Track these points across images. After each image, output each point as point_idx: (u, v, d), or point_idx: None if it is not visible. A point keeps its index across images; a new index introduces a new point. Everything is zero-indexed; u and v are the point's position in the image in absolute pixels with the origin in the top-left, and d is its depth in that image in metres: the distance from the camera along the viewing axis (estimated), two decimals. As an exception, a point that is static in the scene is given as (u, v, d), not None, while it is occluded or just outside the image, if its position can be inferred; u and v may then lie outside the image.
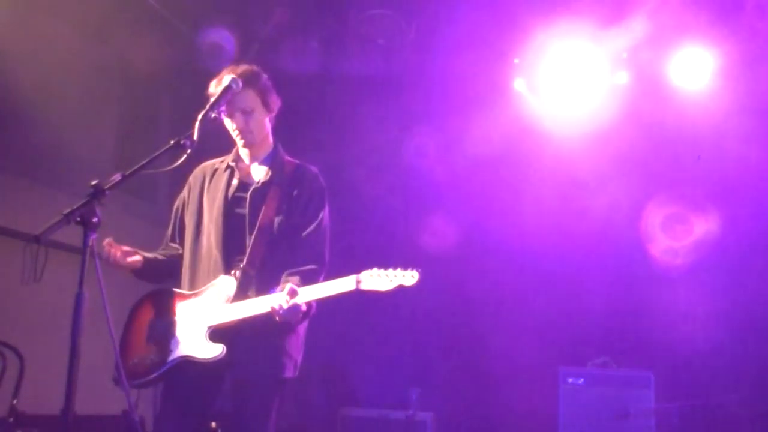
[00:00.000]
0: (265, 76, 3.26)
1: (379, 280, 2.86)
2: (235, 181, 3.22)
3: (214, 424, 4.54)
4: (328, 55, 6.19)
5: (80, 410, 4.23)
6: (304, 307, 2.93)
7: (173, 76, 6.16)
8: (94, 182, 2.48)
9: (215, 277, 3.07)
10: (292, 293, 2.89)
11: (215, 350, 2.96)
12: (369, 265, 2.92)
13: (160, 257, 3.28)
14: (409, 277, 2.84)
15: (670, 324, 6.14)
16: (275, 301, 2.90)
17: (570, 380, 5.75)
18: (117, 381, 2.96)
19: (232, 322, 2.97)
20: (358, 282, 2.87)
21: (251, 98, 3.19)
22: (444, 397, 6.71)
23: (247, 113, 3.19)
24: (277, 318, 2.91)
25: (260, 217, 3.10)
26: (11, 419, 4.34)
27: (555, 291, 6.63)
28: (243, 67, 3.20)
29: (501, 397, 6.52)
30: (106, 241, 3.07)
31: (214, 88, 3.12)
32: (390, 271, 2.87)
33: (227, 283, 3.02)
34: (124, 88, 6.11)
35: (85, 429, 4.96)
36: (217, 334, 3.00)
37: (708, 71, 6.01)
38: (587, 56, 6.19)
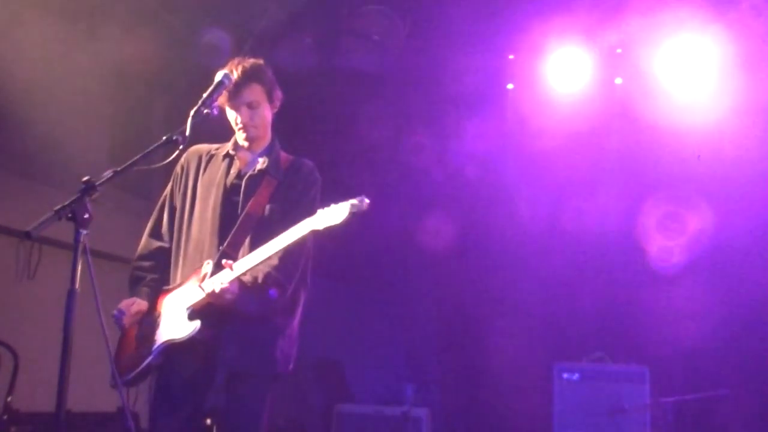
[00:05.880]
0: (270, 70, 3.26)
1: (330, 215, 2.85)
2: (233, 170, 3.23)
3: (209, 421, 4.54)
4: (322, 52, 6.18)
5: (75, 407, 4.26)
6: (236, 287, 2.91)
7: (167, 74, 6.15)
8: (85, 178, 2.47)
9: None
10: (228, 266, 2.90)
11: (191, 327, 2.97)
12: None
13: (156, 277, 3.27)
14: (357, 203, 2.82)
15: (665, 320, 6.15)
16: (215, 281, 2.91)
17: (565, 375, 5.77)
18: (113, 385, 2.97)
19: (204, 299, 2.97)
20: (311, 224, 2.87)
21: (258, 92, 3.19)
22: (439, 393, 6.73)
23: (253, 108, 3.20)
24: (215, 299, 2.92)
25: (250, 203, 3.12)
26: (6, 416, 4.34)
27: (550, 287, 6.65)
28: (250, 61, 3.20)
29: (496, 392, 6.54)
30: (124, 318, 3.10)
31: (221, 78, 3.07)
32: (340, 204, 2.85)
33: (206, 266, 3.03)
34: (118, 86, 6.09)
35: (80, 426, 4.98)
36: (205, 325, 2.99)
37: (703, 69, 6.02)
38: (582, 53, 6.20)
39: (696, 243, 6.24)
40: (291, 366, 3.20)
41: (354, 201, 2.83)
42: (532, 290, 6.65)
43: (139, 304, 3.15)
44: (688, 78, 6.08)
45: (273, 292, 3.01)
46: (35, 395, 4.70)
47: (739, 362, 5.93)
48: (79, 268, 2.41)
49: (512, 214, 6.68)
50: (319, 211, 2.87)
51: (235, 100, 3.16)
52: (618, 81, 6.32)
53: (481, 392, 6.69)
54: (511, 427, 6.41)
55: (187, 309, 3.02)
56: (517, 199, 6.69)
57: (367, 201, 2.83)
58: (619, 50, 6.19)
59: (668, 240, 6.41)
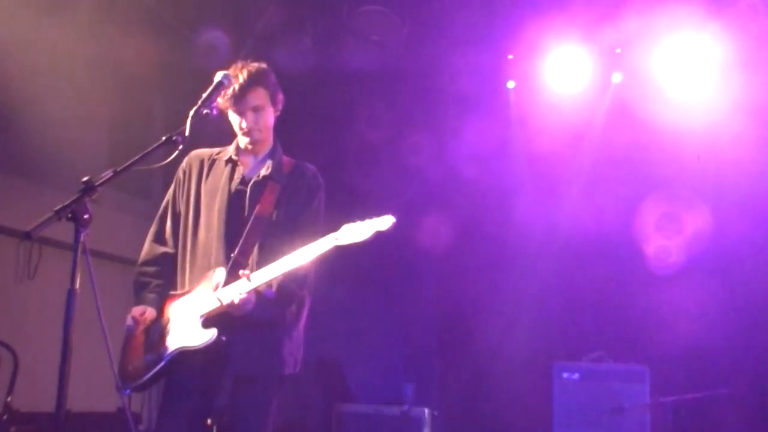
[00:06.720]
0: (272, 73, 3.26)
1: (355, 232, 2.87)
2: (237, 176, 3.23)
3: (209, 421, 4.54)
4: (322, 52, 6.18)
5: (75, 407, 4.26)
6: (253, 297, 2.93)
7: (166, 74, 6.15)
8: (85, 178, 2.48)
9: (212, 270, 3.08)
10: (246, 277, 2.91)
11: (208, 335, 2.97)
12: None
13: (161, 282, 3.25)
14: (383, 222, 2.87)
15: (665, 319, 6.15)
16: (233, 291, 2.92)
17: (565, 375, 5.76)
18: (119, 389, 2.97)
19: (220, 308, 2.97)
20: (336, 239, 2.89)
21: (262, 96, 3.19)
22: (439, 393, 6.73)
23: (257, 111, 3.19)
24: (233, 309, 2.93)
25: (257, 209, 3.12)
26: (5, 416, 4.34)
27: (550, 287, 6.64)
28: (254, 65, 3.19)
29: (496, 391, 6.54)
30: (138, 327, 3.10)
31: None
32: (366, 221, 2.89)
33: (218, 273, 3.04)
34: (117, 86, 6.10)
35: (80, 426, 4.98)
36: (219, 332, 3.00)
37: (701, 68, 6.02)
38: (581, 52, 6.21)
39: (695, 242, 6.24)
40: (298, 368, 3.21)
41: (380, 220, 2.87)
42: (531, 290, 6.65)
43: (151, 312, 3.13)
44: (687, 77, 6.09)
45: (270, 292, 3.01)
46: (35, 395, 4.70)
47: (739, 362, 5.92)
48: (79, 268, 2.41)
49: (512, 213, 6.68)
50: (344, 227, 2.89)
51: (239, 104, 3.15)
52: (617, 80, 6.32)
53: (481, 392, 6.69)
54: (511, 426, 6.40)
55: (201, 317, 3.01)
56: (516, 198, 6.69)
57: (393, 220, 2.87)
58: (618, 50, 6.19)
59: (668, 239, 6.41)
